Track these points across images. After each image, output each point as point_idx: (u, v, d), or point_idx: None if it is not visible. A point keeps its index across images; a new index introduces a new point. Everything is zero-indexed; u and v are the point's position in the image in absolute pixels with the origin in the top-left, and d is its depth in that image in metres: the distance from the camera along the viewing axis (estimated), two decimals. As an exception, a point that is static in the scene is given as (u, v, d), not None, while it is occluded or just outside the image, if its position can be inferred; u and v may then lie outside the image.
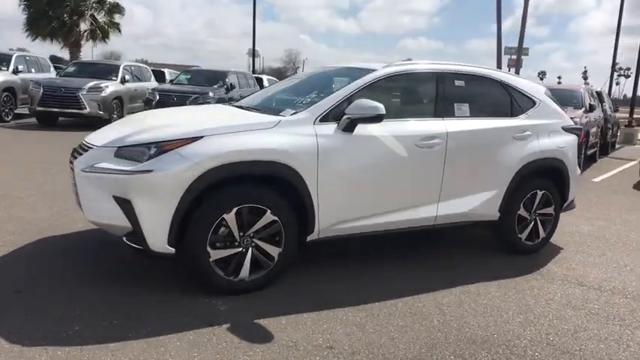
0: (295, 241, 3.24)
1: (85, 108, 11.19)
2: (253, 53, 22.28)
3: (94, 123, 11.43)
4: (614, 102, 17.41)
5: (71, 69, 13.15)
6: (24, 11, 22.72)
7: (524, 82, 4.43)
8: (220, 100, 11.84)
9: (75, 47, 23.13)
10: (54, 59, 19.33)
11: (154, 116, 3.81)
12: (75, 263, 3.50)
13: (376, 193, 3.48)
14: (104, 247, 3.84)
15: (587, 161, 9.61)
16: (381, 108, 3.16)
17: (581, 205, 5.56)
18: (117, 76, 12.33)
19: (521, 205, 4.20)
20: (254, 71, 21.51)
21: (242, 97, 14.51)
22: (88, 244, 3.92)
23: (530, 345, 2.78)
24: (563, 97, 7.90)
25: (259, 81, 16.09)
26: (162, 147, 2.86)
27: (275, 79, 19.56)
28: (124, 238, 3.00)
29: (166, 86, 12.23)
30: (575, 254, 4.45)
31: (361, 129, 3.31)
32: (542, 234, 4.38)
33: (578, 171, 4.68)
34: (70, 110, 11.27)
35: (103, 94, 11.39)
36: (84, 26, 22.64)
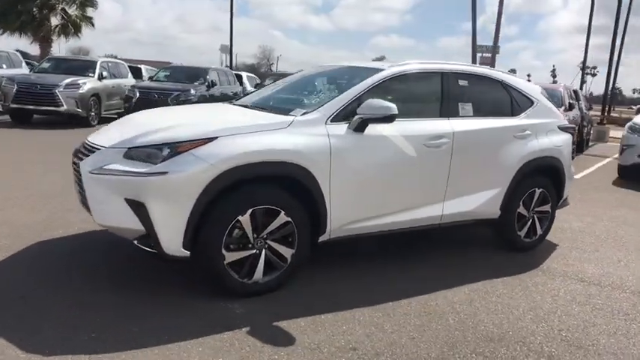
0: (308, 242, 3.21)
1: (62, 105, 10.85)
2: (231, 50, 22.05)
3: (71, 121, 11.20)
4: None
5: (46, 65, 12.72)
6: (-9, 5, 21.86)
7: (522, 82, 4.51)
8: (202, 97, 11.66)
9: (45, 42, 22.34)
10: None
11: (159, 116, 3.70)
12: (78, 267, 3.38)
13: (386, 193, 3.49)
14: (106, 250, 3.73)
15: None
16: (393, 108, 3.16)
17: (568, 201, 5.71)
18: (94, 73, 11.99)
19: (521, 203, 4.28)
20: (232, 68, 21.24)
21: (235, 95, 14.31)
22: (89, 246, 3.79)
23: (545, 341, 2.84)
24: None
25: (239, 78, 15.90)
26: (177, 148, 2.79)
27: (254, 76, 19.42)
28: (135, 242, 2.91)
29: (146, 83, 11.95)
30: (570, 250, 4.57)
31: (371, 129, 3.31)
32: (539, 231, 4.48)
33: (573, 169, 4.80)
34: (45, 107, 10.90)
35: (80, 91, 11.06)
36: (55, 20, 21.91)
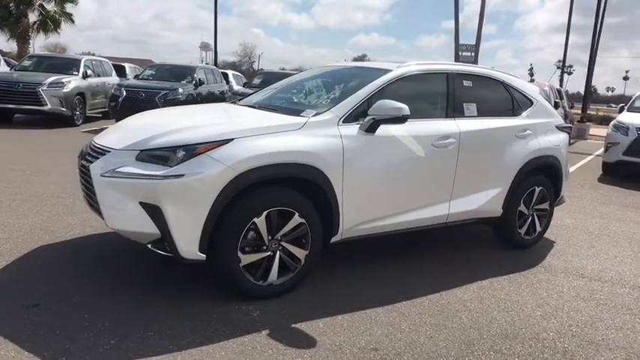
0: (320, 243, 3.22)
1: (46, 104, 10.58)
2: (215, 48, 21.80)
3: (55, 120, 10.94)
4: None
5: (27, 63, 12.40)
6: (-34, 1, 21.16)
7: (521, 82, 4.59)
8: (189, 96, 11.53)
9: (23, 39, 21.73)
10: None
11: (167, 117, 3.65)
12: (87, 271, 3.32)
13: (396, 193, 3.51)
14: (112, 254, 3.67)
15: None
16: (405, 109, 3.18)
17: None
18: (78, 71, 11.73)
19: (522, 202, 4.36)
20: (216, 65, 21.01)
21: (222, 94, 14.12)
22: (94, 250, 3.72)
23: (558, 337, 2.90)
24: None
25: (225, 76, 15.75)
26: (193, 150, 2.76)
27: (240, 74, 19.27)
28: (149, 246, 2.87)
29: (132, 82, 11.73)
30: (567, 247, 4.67)
31: (381, 130, 3.32)
32: (538, 228, 4.57)
33: (569, 168, 4.90)
34: (28, 107, 10.61)
35: (65, 90, 10.80)
36: (33, 17, 21.34)
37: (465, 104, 3.94)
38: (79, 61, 12.12)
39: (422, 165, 3.59)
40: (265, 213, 2.93)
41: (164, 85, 11.26)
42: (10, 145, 8.35)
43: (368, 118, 3.26)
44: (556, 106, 10.18)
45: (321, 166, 3.07)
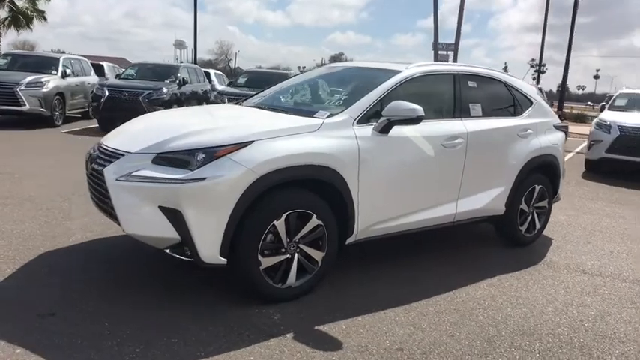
0: (336, 244, 3.22)
1: (24, 104, 10.25)
2: (195, 46, 21.50)
3: (34, 121, 10.61)
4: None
5: (2, 61, 11.98)
6: None
7: (521, 83, 4.68)
8: (173, 96, 11.36)
9: (-8, 36, 21.03)
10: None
11: (178, 118, 3.58)
12: (96, 277, 3.23)
13: (408, 193, 3.54)
14: (120, 259, 3.59)
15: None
16: (420, 110, 3.20)
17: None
18: (57, 70, 11.41)
19: (523, 200, 4.45)
20: (196, 64, 20.73)
21: (205, 94, 13.91)
22: (100, 255, 3.63)
23: (572, 332, 2.97)
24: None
25: (207, 75, 15.56)
26: (214, 153, 2.72)
27: (221, 73, 19.06)
28: (167, 251, 2.82)
29: (115, 81, 11.47)
30: (565, 243, 4.79)
31: (394, 130, 3.34)
32: (538, 226, 4.67)
33: (565, 166, 5.03)
34: (6, 107, 10.25)
35: (44, 90, 10.49)
36: (3, 13, 20.63)
37: (470, 104, 4.00)
38: (58, 59, 11.79)
39: (432, 165, 3.62)
40: (285, 215, 2.91)
41: (147, 84, 11.06)
42: (-9, 147, 8.06)
43: (382, 119, 3.27)
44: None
45: (338, 168, 3.07)
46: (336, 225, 3.17)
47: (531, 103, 4.56)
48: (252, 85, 12.15)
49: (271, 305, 2.98)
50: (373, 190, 3.29)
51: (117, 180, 2.78)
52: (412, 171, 3.52)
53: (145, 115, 4.00)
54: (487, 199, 4.11)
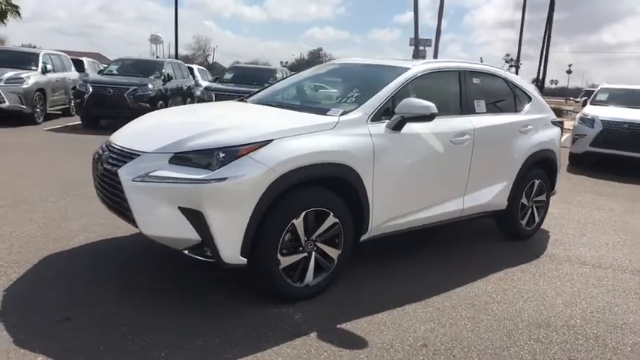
0: (352, 242, 3.22)
1: (4, 101, 9.93)
2: (176, 41, 21.14)
3: (14, 118, 10.28)
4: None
5: (-23, 57, 11.55)
6: None
7: (520, 79, 4.76)
8: (159, 92, 11.15)
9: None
10: None
11: (187, 116, 3.51)
12: (106, 279, 3.16)
13: (419, 190, 3.56)
14: (126, 259, 3.52)
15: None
16: (433, 107, 3.22)
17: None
18: (37, 66, 11.07)
19: (524, 194, 4.53)
20: (177, 59, 20.40)
21: (190, 89, 13.66)
22: (106, 256, 3.54)
23: (585, 324, 3.05)
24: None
25: (190, 71, 15.32)
26: (235, 152, 2.68)
27: (204, 69, 18.81)
28: (186, 252, 2.77)
29: (98, 77, 11.19)
30: (562, 236, 4.90)
31: (405, 127, 3.35)
32: (537, 219, 4.76)
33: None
34: (-16, 104, 9.93)
35: (24, 86, 10.17)
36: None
37: (475, 101, 4.04)
38: (37, 55, 11.44)
39: (442, 161, 3.65)
40: (303, 214, 2.90)
41: (132, 80, 10.83)
42: (-28, 146, 7.79)
43: (396, 116, 3.27)
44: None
45: (354, 165, 3.06)
46: (352, 222, 3.17)
47: (530, 99, 4.64)
48: (239, 80, 12.05)
49: (289, 305, 2.96)
50: (387, 186, 3.30)
51: (133, 180, 2.72)
52: (423, 167, 3.54)
53: (151, 113, 3.91)
54: (491, 194, 4.17)
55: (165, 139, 2.85)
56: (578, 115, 9.62)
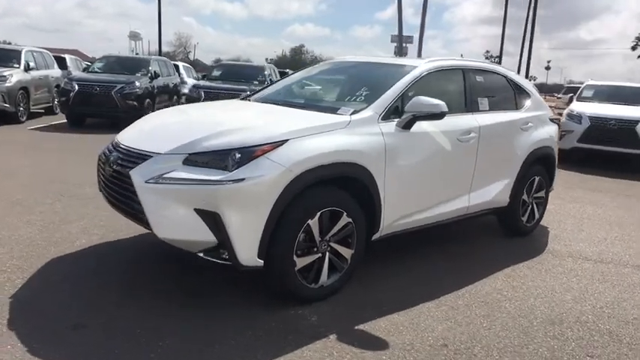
0: (364, 241, 3.20)
1: (-14, 100, 9.66)
2: (160, 38, 20.83)
3: None
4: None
5: (-44, 54, 11.19)
6: None
7: (519, 77, 4.79)
8: (145, 90, 10.95)
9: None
10: None
11: (196, 116, 3.43)
12: (114, 282, 3.08)
13: (428, 188, 3.57)
14: (131, 262, 3.44)
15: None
16: (443, 105, 3.22)
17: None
18: (19, 63, 10.78)
19: (524, 191, 4.58)
20: (160, 56, 20.08)
21: (175, 87, 13.44)
22: (111, 259, 3.45)
23: (597, 319, 3.08)
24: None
25: (176, 68, 15.10)
26: (251, 153, 2.63)
27: (189, 66, 18.56)
28: (201, 255, 2.71)
29: (84, 75, 10.93)
30: (561, 232, 4.97)
31: (415, 126, 3.34)
32: (536, 215, 4.82)
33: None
34: (-35, 103, 9.63)
35: (7, 84, 9.91)
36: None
37: (479, 99, 4.06)
38: (19, 52, 11.14)
39: (449, 159, 3.66)
40: (319, 214, 2.86)
41: (119, 78, 10.63)
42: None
43: (407, 114, 3.26)
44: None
45: (367, 164, 3.04)
46: (364, 222, 3.15)
47: (529, 96, 4.68)
48: (227, 78, 11.92)
49: (304, 306, 2.93)
50: (397, 185, 3.28)
51: (146, 182, 2.65)
52: (431, 165, 3.54)
53: (156, 112, 3.82)
54: (495, 191, 4.19)
55: (177, 140, 2.79)
56: (565, 112, 9.77)
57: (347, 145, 2.95)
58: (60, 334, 2.48)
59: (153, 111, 11.09)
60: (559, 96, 22.08)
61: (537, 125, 4.59)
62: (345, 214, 3.00)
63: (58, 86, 12.12)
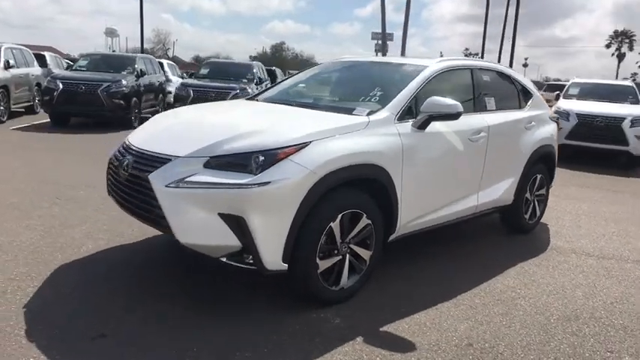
0: (382, 242, 3.20)
1: (-35, 99, 9.33)
2: (142, 35, 20.41)
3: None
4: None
5: None
6: None
7: (521, 76, 4.85)
8: (132, 88, 10.73)
9: None
10: None
11: (214, 117, 3.37)
12: (128, 290, 3.00)
13: (442, 188, 3.58)
14: (144, 267, 3.36)
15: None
16: (459, 106, 3.23)
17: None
18: (-1, 61, 10.44)
19: (527, 189, 4.64)
20: (142, 53, 19.72)
21: (161, 85, 13.18)
22: (122, 265, 3.37)
23: (610, 315, 3.15)
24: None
25: (160, 66, 14.84)
26: (275, 156, 2.59)
27: (174, 64, 18.28)
28: (224, 259, 2.66)
29: (69, 73, 10.64)
30: (561, 229, 5.05)
31: (429, 126, 3.35)
32: (538, 213, 4.89)
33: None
34: (-57, 102, 9.29)
35: (-13, 83, 9.58)
36: None
37: (486, 98, 4.09)
38: (-1, 49, 10.77)
39: (461, 159, 3.68)
40: (340, 216, 2.85)
41: (105, 76, 10.39)
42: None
43: (422, 115, 3.26)
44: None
45: (385, 165, 3.04)
46: (382, 223, 3.14)
47: (531, 95, 4.74)
48: (215, 76, 11.78)
49: (326, 308, 2.91)
50: (413, 185, 3.28)
51: (167, 187, 2.59)
52: (445, 165, 3.56)
53: (164, 113, 3.74)
54: (501, 189, 4.24)
55: (196, 143, 2.73)
56: (553, 109, 9.93)
57: (368, 146, 2.94)
58: (79, 345, 2.40)
59: (139, 110, 10.93)
60: (541, 93, 22.45)
61: (539, 124, 4.65)
62: (364, 215, 2.99)
63: (39, 84, 11.81)
